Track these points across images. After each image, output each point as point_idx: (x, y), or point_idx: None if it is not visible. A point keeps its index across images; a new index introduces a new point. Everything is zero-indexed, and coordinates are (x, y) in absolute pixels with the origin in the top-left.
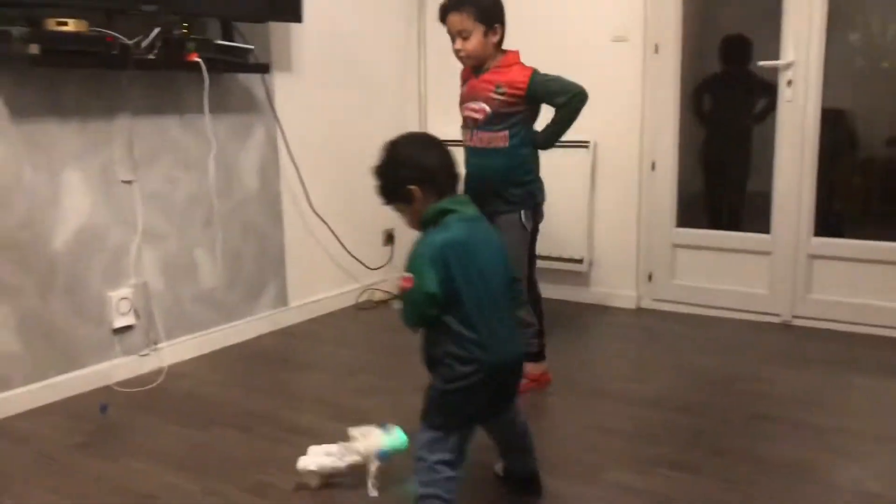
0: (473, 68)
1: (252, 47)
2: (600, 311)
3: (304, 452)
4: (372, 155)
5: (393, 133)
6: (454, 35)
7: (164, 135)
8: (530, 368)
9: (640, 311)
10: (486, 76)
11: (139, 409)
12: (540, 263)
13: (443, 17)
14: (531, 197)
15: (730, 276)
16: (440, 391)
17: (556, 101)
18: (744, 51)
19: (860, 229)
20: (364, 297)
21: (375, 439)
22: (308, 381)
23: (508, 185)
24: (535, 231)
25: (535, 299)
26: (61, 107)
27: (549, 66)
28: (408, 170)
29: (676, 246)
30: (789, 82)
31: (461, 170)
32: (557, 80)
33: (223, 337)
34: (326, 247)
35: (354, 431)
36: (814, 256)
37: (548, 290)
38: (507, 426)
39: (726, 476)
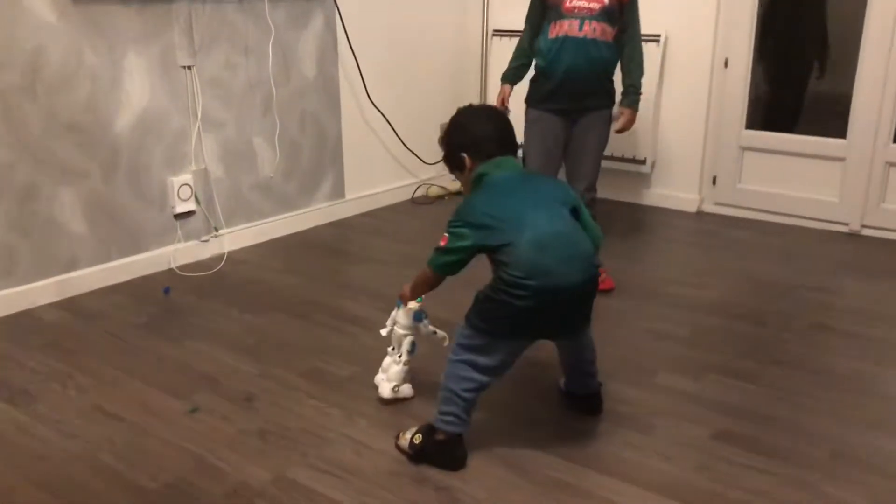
0: None
1: None
2: (660, 213)
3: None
4: (429, 45)
5: (451, 24)
6: None
7: (223, 20)
8: None
9: (701, 215)
10: None
11: (200, 293)
12: (602, 164)
13: None
14: (613, 94)
15: (798, 181)
16: (486, 297)
17: (633, 30)
18: None
19: None
20: (420, 192)
21: (406, 311)
22: (363, 273)
23: (607, 80)
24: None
25: (595, 191)
26: None
27: None
28: (460, 137)
29: (744, 149)
30: None
31: (517, 138)
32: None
33: (281, 226)
34: (384, 139)
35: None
36: (891, 164)
37: (607, 191)
38: (571, 348)
39: (781, 385)
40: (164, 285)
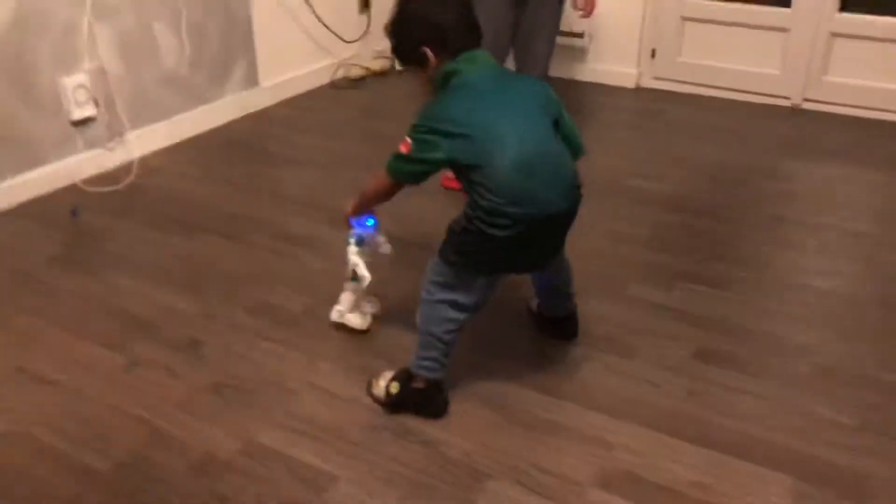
0: None
1: None
2: (598, 89)
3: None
4: None
5: None
6: None
7: None
8: None
9: (639, 91)
10: None
11: (114, 213)
12: None
13: None
14: None
15: (740, 53)
16: (462, 228)
17: None
18: None
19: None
20: (340, 74)
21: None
22: (292, 177)
23: None
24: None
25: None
26: None
27: None
28: (419, 29)
29: (685, 19)
30: None
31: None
32: None
33: (193, 123)
34: (297, 16)
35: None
36: (836, 34)
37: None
38: (548, 273)
39: (751, 292)
40: (71, 205)
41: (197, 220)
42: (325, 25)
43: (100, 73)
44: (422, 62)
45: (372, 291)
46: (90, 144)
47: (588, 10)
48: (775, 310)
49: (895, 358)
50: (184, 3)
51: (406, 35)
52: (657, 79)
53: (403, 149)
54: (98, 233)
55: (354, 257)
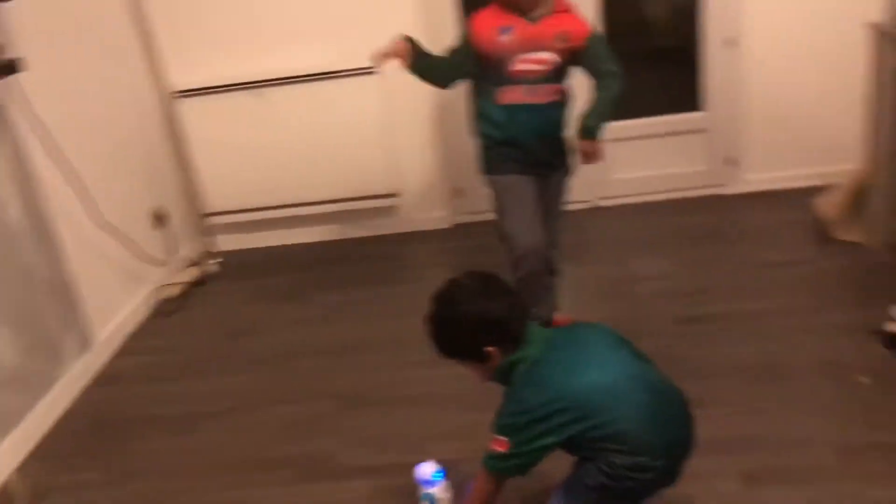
0: (520, 12)
1: None
2: (420, 237)
3: None
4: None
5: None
6: None
7: None
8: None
9: (456, 229)
10: (549, 21)
11: None
12: (351, 205)
13: None
14: (571, 156)
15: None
16: (602, 485)
17: (605, 68)
18: None
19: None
20: (158, 299)
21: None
22: (200, 441)
23: (564, 141)
24: None
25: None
26: None
27: None
28: (480, 330)
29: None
30: None
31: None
32: (607, 46)
33: (46, 414)
34: (109, 258)
35: None
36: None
37: (362, 229)
38: None
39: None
40: None
41: None
42: (141, 254)
43: None
44: (481, 359)
45: None
46: None
47: (594, 159)
48: None
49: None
50: (6, 289)
51: (464, 339)
52: (468, 213)
53: (501, 448)
54: None
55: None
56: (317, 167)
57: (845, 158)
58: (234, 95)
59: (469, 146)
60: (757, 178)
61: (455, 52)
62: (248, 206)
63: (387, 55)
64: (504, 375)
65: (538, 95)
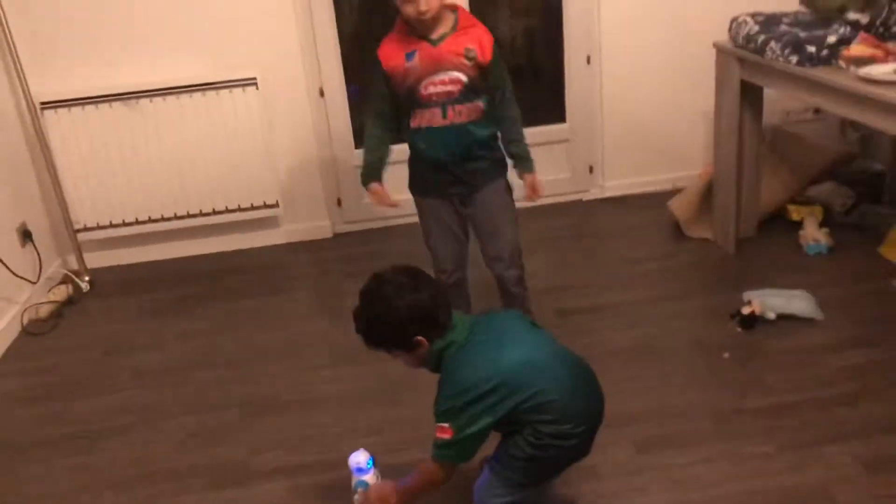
0: (419, 35)
1: None
2: (302, 247)
3: None
4: None
5: None
6: None
7: None
8: None
9: (337, 238)
10: (451, 40)
11: None
12: (232, 217)
13: None
14: (504, 161)
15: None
16: (530, 456)
17: (506, 91)
18: None
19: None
20: (28, 318)
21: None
22: (96, 463)
23: (490, 153)
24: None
25: (522, 266)
26: None
27: None
28: (412, 324)
29: (358, 167)
30: None
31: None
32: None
33: None
34: None
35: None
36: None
37: (242, 241)
38: None
39: None
40: None
41: None
42: (10, 271)
43: None
44: (411, 348)
45: None
46: None
47: (536, 193)
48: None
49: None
50: None
51: (396, 331)
52: (348, 223)
53: (445, 435)
54: None
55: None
56: (194, 179)
57: (692, 165)
58: (106, 107)
59: (347, 159)
60: (615, 184)
61: (380, 96)
62: (122, 221)
63: (391, 203)
64: (434, 362)
65: (453, 117)
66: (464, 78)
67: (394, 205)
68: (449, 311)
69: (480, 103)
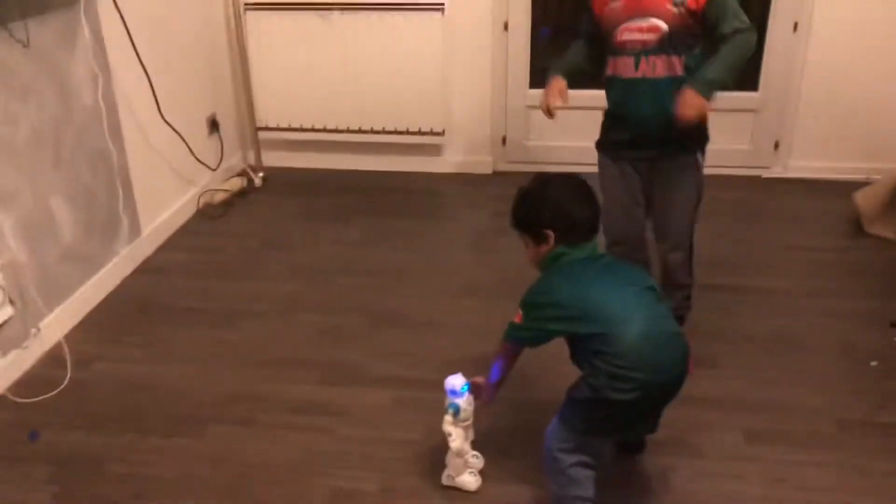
0: None
1: None
2: (460, 179)
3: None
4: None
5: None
6: None
7: None
8: None
9: (496, 176)
10: None
11: (79, 426)
12: (398, 139)
13: None
14: (705, 136)
15: (575, 132)
16: (586, 398)
17: (725, 28)
18: None
19: None
20: (204, 202)
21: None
22: (243, 336)
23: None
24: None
25: (692, 250)
26: None
27: None
28: (552, 214)
29: (530, 108)
30: None
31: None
32: (734, 2)
33: (95, 292)
34: (163, 152)
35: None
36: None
37: (405, 163)
38: None
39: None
40: (28, 428)
41: (182, 412)
42: (195, 156)
43: (11, 268)
44: (539, 240)
45: (475, 447)
46: (7, 347)
47: (684, 113)
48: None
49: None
50: (74, 167)
51: (537, 214)
52: (511, 162)
53: (517, 319)
54: (82, 458)
55: (449, 427)
56: (370, 96)
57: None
58: (301, 14)
59: (519, 98)
60: (800, 164)
61: (585, 33)
62: (300, 126)
63: (553, 104)
64: (547, 262)
65: (650, 69)
66: (664, 26)
67: (554, 111)
68: (590, 235)
69: (685, 58)
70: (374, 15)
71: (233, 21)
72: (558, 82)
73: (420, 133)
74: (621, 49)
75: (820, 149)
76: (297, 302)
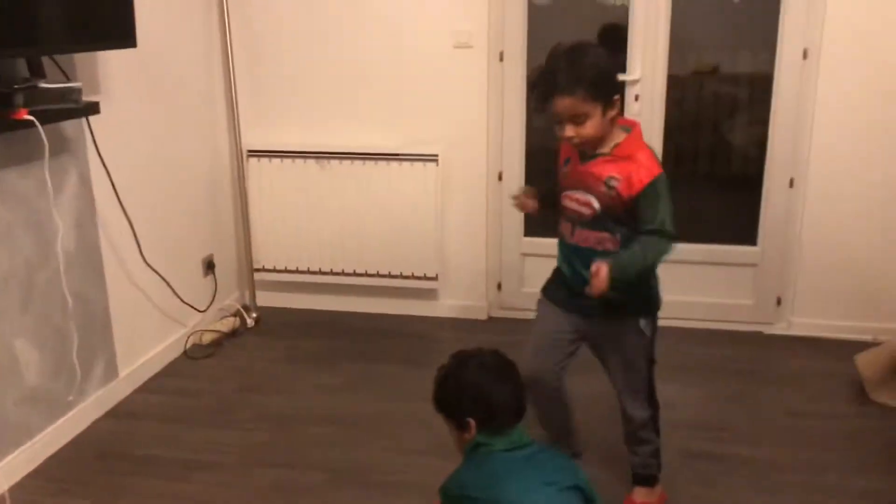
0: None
1: (80, 84)
2: (454, 324)
3: None
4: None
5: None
6: (564, 120)
7: None
8: (643, 496)
9: (491, 321)
10: (601, 162)
11: None
12: (393, 282)
13: (545, 98)
14: (652, 302)
15: None
16: None
17: (649, 225)
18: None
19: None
20: (192, 342)
21: None
22: (204, 490)
23: (623, 290)
24: (654, 338)
25: (654, 409)
26: None
27: (388, 73)
28: (472, 401)
29: (525, 255)
30: (636, 97)
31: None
32: (666, 204)
33: (56, 437)
34: (150, 295)
35: None
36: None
37: (400, 307)
38: None
39: None
40: None
41: None
42: (179, 298)
43: None
44: (462, 427)
45: None
46: None
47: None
48: None
49: None
50: (44, 309)
51: (457, 401)
52: (505, 308)
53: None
54: None
55: None
56: (365, 240)
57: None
58: (301, 162)
59: (514, 245)
60: (804, 322)
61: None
62: (295, 268)
63: (520, 194)
64: (468, 451)
65: (581, 239)
66: (596, 204)
67: (518, 199)
68: (514, 420)
69: (614, 235)
70: (371, 164)
71: (235, 166)
72: (529, 193)
73: (414, 277)
74: (564, 212)
75: (824, 306)
76: (260, 453)
